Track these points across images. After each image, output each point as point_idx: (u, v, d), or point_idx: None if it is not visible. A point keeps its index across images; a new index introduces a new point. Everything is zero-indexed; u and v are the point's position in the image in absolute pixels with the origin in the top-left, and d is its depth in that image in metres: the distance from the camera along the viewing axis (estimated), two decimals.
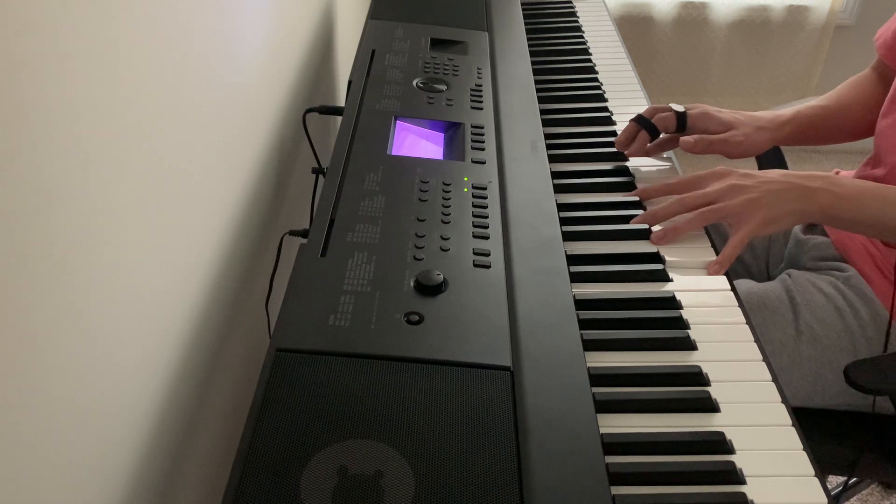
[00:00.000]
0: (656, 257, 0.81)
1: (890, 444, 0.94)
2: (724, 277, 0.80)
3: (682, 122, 0.98)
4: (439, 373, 0.58)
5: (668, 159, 1.00)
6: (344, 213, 0.73)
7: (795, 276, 1.00)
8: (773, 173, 0.86)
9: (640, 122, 0.98)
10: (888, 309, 0.93)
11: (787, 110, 1.05)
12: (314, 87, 1.23)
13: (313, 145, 1.12)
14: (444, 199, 0.77)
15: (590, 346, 0.69)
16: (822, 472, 0.60)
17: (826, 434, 0.94)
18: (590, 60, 1.24)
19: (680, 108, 0.99)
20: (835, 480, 1.40)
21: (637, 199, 0.90)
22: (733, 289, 0.78)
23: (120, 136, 0.53)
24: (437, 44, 1.09)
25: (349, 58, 1.56)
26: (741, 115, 1.01)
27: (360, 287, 0.64)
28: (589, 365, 0.66)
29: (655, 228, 0.85)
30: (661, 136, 0.99)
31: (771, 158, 1.34)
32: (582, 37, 1.32)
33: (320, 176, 0.97)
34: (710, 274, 0.80)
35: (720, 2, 2.30)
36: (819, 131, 1.08)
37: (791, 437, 0.63)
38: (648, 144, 0.98)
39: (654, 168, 0.98)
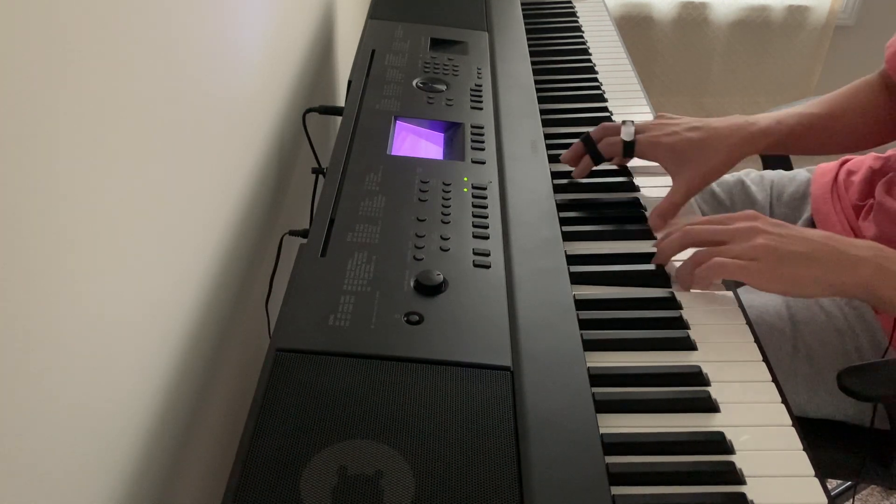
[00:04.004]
0: None
1: (881, 449, 0.93)
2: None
3: (629, 151, 0.91)
4: (439, 373, 0.58)
5: None
6: (344, 213, 0.73)
7: None
8: (813, 232, 0.74)
9: (586, 144, 0.92)
10: (888, 338, 0.90)
11: (766, 117, 0.94)
12: (314, 87, 1.23)
13: (313, 145, 1.12)
14: (444, 199, 0.77)
15: (590, 346, 0.69)
16: (828, 476, 0.59)
17: (831, 440, 0.94)
18: (590, 60, 1.24)
19: (630, 135, 0.90)
20: (835, 481, 1.40)
21: (637, 196, 0.90)
22: (734, 289, 0.78)
23: (119, 136, 0.53)
24: (437, 44, 1.09)
25: (349, 58, 1.56)
26: (700, 136, 0.88)
27: (360, 287, 0.64)
28: (589, 365, 0.66)
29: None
30: (606, 162, 0.93)
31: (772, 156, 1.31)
32: (582, 37, 1.32)
33: (320, 176, 0.97)
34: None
35: (720, 2, 2.30)
36: (803, 141, 0.95)
37: (791, 437, 0.63)
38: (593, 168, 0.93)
39: (654, 166, 0.97)
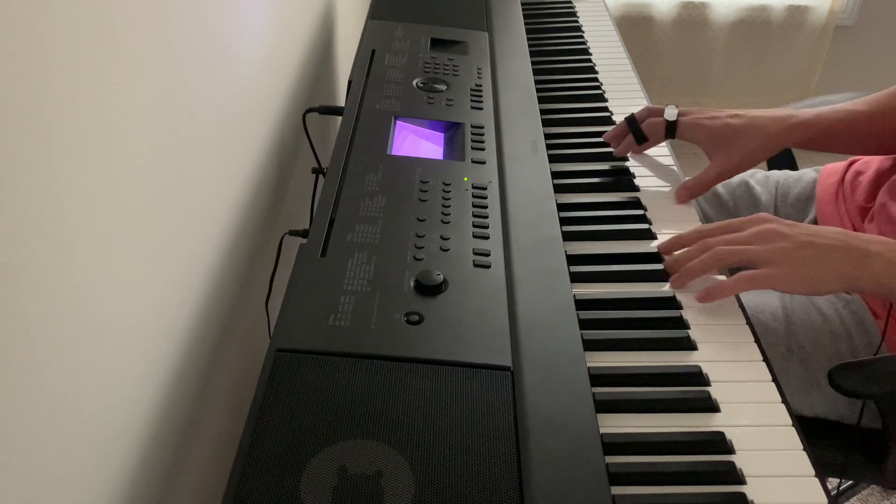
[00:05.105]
0: (656, 257, 0.81)
1: (874, 448, 0.93)
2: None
3: (671, 131, 0.94)
4: (439, 373, 0.58)
5: (668, 157, 0.99)
6: (344, 213, 0.73)
7: None
8: (827, 228, 0.76)
9: (630, 124, 0.96)
10: (887, 346, 0.90)
11: (807, 111, 0.94)
12: (314, 87, 1.23)
13: (313, 145, 1.12)
14: (444, 199, 0.77)
15: (590, 346, 0.69)
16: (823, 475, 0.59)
17: (816, 437, 0.94)
18: (590, 60, 1.24)
19: (673, 115, 0.94)
20: (835, 481, 1.40)
21: (637, 196, 0.91)
22: None
23: (119, 136, 0.53)
24: (437, 44, 1.09)
25: (349, 58, 1.56)
26: (741, 123, 0.91)
27: (360, 287, 0.64)
28: (589, 365, 0.66)
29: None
30: (648, 142, 0.96)
31: (778, 155, 1.29)
32: (582, 37, 1.32)
33: (320, 176, 0.97)
34: (697, 300, 0.74)
35: (720, 2, 2.30)
36: (843, 138, 0.95)
37: (791, 437, 0.63)
38: (636, 147, 0.97)
39: (654, 167, 0.97)
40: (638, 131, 0.96)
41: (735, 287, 0.75)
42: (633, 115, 0.97)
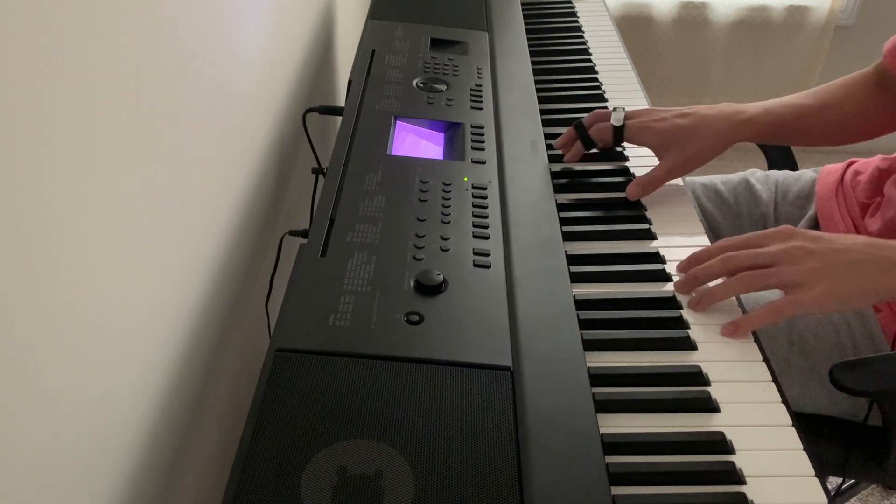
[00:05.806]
0: (656, 257, 0.81)
1: (875, 446, 0.93)
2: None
3: (619, 136, 0.93)
4: (439, 373, 0.58)
5: None
6: (344, 213, 0.73)
7: None
8: (852, 240, 0.74)
9: (578, 130, 0.95)
10: (888, 339, 0.90)
11: (755, 105, 0.95)
12: (314, 87, 1.23)
13: (313, 145, 1.12)
14: (444, 199, 0.77)
15: (590, 346, 0.69)
16: (822, 473, 0.59)
17: (816, 435, 0.94)
18: (590, 60, 1.24)
19: (619, 120, 0.92)
20: (835, 481, 1.40)
21: (635, 199, 0.91)
22: None
23: (119, 136, 0.53)
24: (437, 44, 1.09)
25: (349, 58, 1.56)
26: (689, 123, 0.90)
27: (360, 287, 0.64)
28: (589, 365, 0.66)
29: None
30: (598, 148, 0.96)
31: (777, 154, 1.30)
32: (582, 37, 1.32)
33: (320, 176, 0.97)
34: (724, 334, 0.71)
35: (720, 2, 2.30)
36: (793, 131, 0.97)
37: (791, 437, 0.63)
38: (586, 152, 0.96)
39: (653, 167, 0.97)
40: (585, 137, 0.95)
41: (763, 319, 0.72)
42: (580, 120, 0.96)
